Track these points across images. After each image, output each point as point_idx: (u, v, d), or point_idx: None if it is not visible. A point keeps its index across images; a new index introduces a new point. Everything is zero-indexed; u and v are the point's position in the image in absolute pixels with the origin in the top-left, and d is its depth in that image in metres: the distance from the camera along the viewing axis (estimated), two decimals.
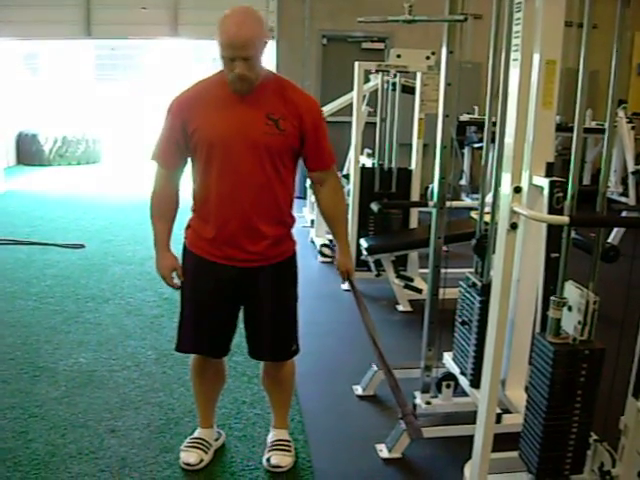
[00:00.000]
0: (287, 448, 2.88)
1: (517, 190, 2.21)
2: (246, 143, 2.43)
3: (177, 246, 2.68)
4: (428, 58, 5.15)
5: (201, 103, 2.48)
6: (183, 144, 2.51)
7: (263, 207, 2.50)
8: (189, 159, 2.57)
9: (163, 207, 2.62)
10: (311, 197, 7.21)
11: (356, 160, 5.58)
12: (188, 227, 2.66)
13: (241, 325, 2.74)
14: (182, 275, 2.67)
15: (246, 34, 2.29)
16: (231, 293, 2.63)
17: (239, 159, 2.44)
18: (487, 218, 2.92)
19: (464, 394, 3.05)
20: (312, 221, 7.00)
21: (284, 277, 2.68)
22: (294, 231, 2.71)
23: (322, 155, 2.62)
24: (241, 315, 2.73)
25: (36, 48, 12.90)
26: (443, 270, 3.05)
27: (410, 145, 5.49)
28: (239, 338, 2.77)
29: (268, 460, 2.82)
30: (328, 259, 6.12)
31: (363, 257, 5.14)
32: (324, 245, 6.29)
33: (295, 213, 2.72)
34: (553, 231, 2.50)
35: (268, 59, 9.79)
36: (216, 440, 2.96)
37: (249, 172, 2.45)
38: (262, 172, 2.46)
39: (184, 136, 2.49)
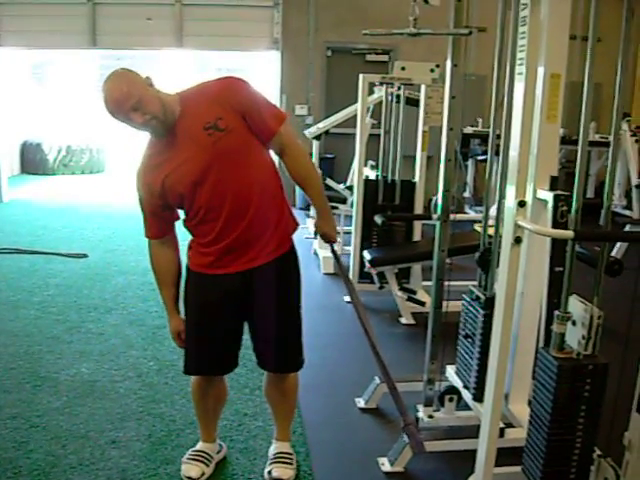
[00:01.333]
0: (289, 461, 2.86)
1: (521, 204, 2.20)
2: (209, 164, 2.43)
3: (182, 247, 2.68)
4: (432, 71, 5.15)
5: (153, 164, 2.51)
6: (160, 210, 2.57)
7: (254, 208, 2.49)
8: (175, 218, 2.64)
9: (164, 274, 2.69)
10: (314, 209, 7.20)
11: (360, 172, 5.58)
12: (189, 248, 2.67)
13: (245, 336, 2.73)
14: (185, 297, 2.70)
15: (119, 91, 2.32)
16: (236, 305, 2.62)
17: (213, 180, 2.44)
18: (491, 231, 2.91)
19: (467, 408, 3.03)
20: (315, 233, 6.99)
21: (286, 270, 2.66)
22: (294, 237, 2.71)
23: (265, 124, 2.52)
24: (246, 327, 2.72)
25: (42, 58, 12.95)
26: (446, 283, 3.04)
27: (414, 157, 5.49)
28: (243, 350, 2.76)
29: (270, 473, 2.80)
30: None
31: (366, 269, 5.13)
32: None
33: (299, 223, 2.71)
34: (557, 245, 2.50)
35: (272, 70, 9.84)
36: (218, 453, 2.94)
37: (227, 184, 2.45)
38: (237, 177, 2.46)
39: (158, 199, 2.53)
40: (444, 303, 3.04)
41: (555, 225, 2.36)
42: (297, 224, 2.74)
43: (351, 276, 5.47)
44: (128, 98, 2.31)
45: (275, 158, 2.62)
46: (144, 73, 2.43)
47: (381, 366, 2.57)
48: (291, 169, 2.61)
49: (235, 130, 2.44)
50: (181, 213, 2.62)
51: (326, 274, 6.17)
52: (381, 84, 5.95)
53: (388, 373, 2.55)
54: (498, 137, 2.80)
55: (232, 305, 2.63)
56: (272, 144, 2.57)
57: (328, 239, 2.75)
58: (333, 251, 2.83)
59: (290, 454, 2.91)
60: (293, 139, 2.62)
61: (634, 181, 6.69)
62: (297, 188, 2.65)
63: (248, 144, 2.49)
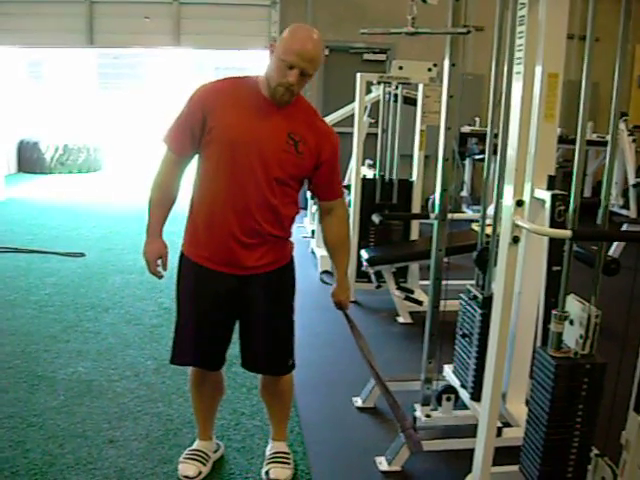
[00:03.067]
0: (286, 461, 2.86)
1: (519, 203, 2.20)
2: (261, 154, 2.42)
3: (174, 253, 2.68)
4: (430, 70, 5.15)
5: (228, 100, 2.46)
6: (198, 135, 2.47)
7: (263, 221, 2.48)
8: (197, 154, 2.53)
9: (165, 194, 2.58)
10: (312, 207, 7.21)
11: (357, 171, 5.57)
12: (186, 233, 2.63)
13: (236, 335, 2.73)
14: (179, 284, 2.65)
15: (316, 53, 2.37)
16: (228, 303, 2.62)
17: (249, 169, 2.42)
18: (488, 230, 2.91)
19: (464, 407, 3.04)
20: (313, 232, 7.00)
21: (280, 285, 2.66)
22: (294, 241, 2.70)
23: (334, 186, 2.65)
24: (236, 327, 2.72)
25: (39, 56, 12.93)
26: (444, 282, 3.04)
27: (411, 156, 5.49)
28: (238, 349, 2.76)
29: (267, 473, 2.80)
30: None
31: (364, 268, 5.13)
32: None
33: (295, 223, 2.71)
34: (555, 244, 2.50)
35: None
36: (215, 452, 2.94)
37: (256, 184, 2.44)
38: (268, 188, 2.45)
39: (201, 128, 2.45)
40: (441, 302, 3.04)
41: (553, 224, 2.36)
42: (293, 247, 2.74)
43: (348, 275, 5.46)
44: (314, 63, 2.37)
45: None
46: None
47: (381, 386, 2.58)
48: (331, 232, 2.71)
49: (303, 161, 2.48)
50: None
51: (323, 273, 6.15)
52: (379, 83, 5.95)
53: (387, 387, 2.56)
54: (496, 136, 2.80)
55: (223, 303, 2.61)
56: (327, 204, 2.68)
57: (342, 307, 2.82)
58: (347, 316, 2.88)
59: (287, 454, 2.90)
60: (345, 210, 2.76)
61: (631, 180, 6.70)
62: None
63: (295, 175, 2.52)
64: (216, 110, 2.43)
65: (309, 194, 5.16)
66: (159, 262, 2.63)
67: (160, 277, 2.65)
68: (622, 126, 6.71)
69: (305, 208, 7.84)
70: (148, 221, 2.62)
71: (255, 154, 2.42)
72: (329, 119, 7.05)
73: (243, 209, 2.46)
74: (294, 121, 2.47)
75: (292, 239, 2.70)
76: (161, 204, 2.59)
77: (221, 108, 2.44)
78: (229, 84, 2.52)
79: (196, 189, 2.55)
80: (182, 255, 2.64)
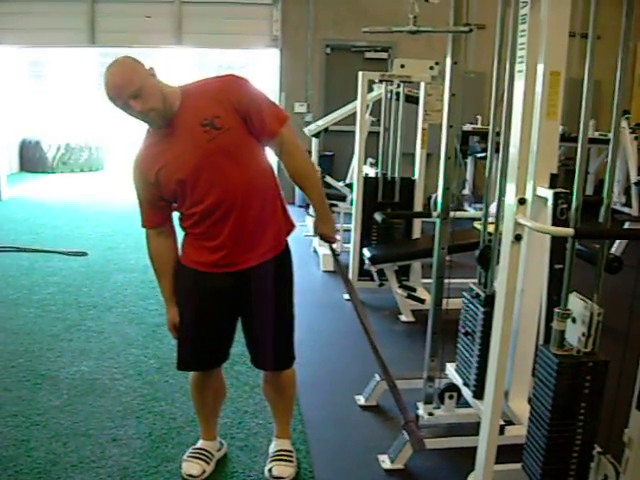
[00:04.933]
0: (289, 458, 2.87)
1: (521, 202, 2.20)
2: (203, 161, 2.43)
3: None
4: (432, 68, 5.15)
5: (151, 154, 2.51)
6: (155, 199, 2.56)
7: (247, 207, 2.49)
8: (171, 205, 2.62)
9: (162, 264, 2.67)
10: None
11: (359, 170, 5.58)
12: (182, 245, 2.67)
13: (241, 334, 2.74)
14: (178, 292, 2.69)
15: (120, 76, 2.33)
16: (227, 302, 2.63)
17: (206, 177, 2.44)
18: (491, 228, 2.91)
19: (467, 405, 3.04)
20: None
21: (278, 272, 2.65)
22: (291, 236, 2.71)
23: (267, 124, 2.51)
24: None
25: (41, 56, 12.93)
26: (446, 280, 3.04)
27: (413, 155, 5.49)
28: (242, 347, 2.76)
29: (270, 471, 2.80)
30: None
31: (366, 267, 5.14)
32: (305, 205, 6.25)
33: (297, 222, 2.71)
34: (557, 242, 2.50)
35: (272, 68, 9.84)
36: (218, 450, 2.95)
37: (220, 182, 2.45)
38: (231, 175, 2.45)
39: (152, 191, 2.53)
40: (444, 301, 3.05)
41: (555, 223, 2.36)
42: (293, 225, 2.74)
43: (351, 274, 5.48)
44: (129, 85, 2.31)
45: (274, 159, 2.62)
46: (148, 63, 2.42)
47: (380, 363, 2.57)
48: (290, 169, 2.60)
49: (232, 130, 2.43)
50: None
51: (325, 272, 6.16)
52: (380, 82, 5.95)
53: (387, 371, 2.55)
54: (498, 134, 2.80)
55: (223, 303, 2.63)
56: (272, 144, 2.56)
57: (327, 239, 2.75)
58: (332, 250, 2.83)
59: (290, 452, 2.91)
60: (294, 139, 2.59)
61: (633, 178, 6.69)
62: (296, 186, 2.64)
63: (244, 144, 2.49)
64: (151, 168, 2.49)
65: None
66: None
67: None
68: (624, 124, 6.70)
69: (306, 206, 7.85)
70: (160, 292, 2.74)
71: (199, 163, 2.43)
72: (331, 118, 7.08)
73: (225, 207, 2.47)
74: (195, 111, 2.44)
75: (288, 221, 2.70)
76: (164, 274, 2.69)
77: (152, 163, 2.49)
78: (143, 144, 2.56)
79: (181, 217, 2.61)
80: (179, 264, 2.68)
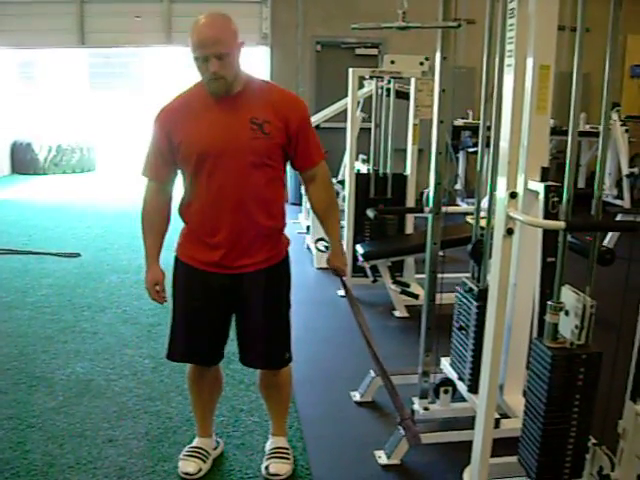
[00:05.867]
0: (286, 456, 2.87)
1: (513, 195, 2.21)
2: (233, 150, 2.44)
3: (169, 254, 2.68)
4: (422, 64, 5.16)
5: (184, 115, 2.49)
6: (170, 156, 2.53)
7: (254, 212, 2.50)
8: (179, 171, 2.59)
9: (153, 221, 2.63)
10: (307, 204, 7.20)
11: (351, 166, 5.58)
12: (180, 237, 2.66)
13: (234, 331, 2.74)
14: (174, 284, 2.67)
15: (218, 33, 2.33)
16: (223, 301, 2.63)
17: (227, 167, 2.45)
18: (483, 223, 2.92)
19: (462, 399, 3.05)
20: (308, 227, 7.00)
21: (276, 282, 2.67)
22: (289, 235, 2.71)
23: (310, 154, 2.61)
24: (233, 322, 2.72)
25: (30, 57, 12.89)
26: (440, 275, 3.05)
27: (405, 150, 5.50)
28: (236, 346, 2.76)
29: (267, 468, 2.81)
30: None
31: (359, 263, 5.14)
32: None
33: (290, 219, 2.72)
34: (549, 236, 2.51)
35: (262, 65, 9.83)
36: (215, 449, 2.95)
37: (238, 178, 2.46)
38: (251, 177, 2.47)
39: (170, 148, 2.50)
40: (437, 295, 3.05)
41: (547, 216, 2.37)
42: (289, 241, 2.75)
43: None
44: (221, 44, 2.32)
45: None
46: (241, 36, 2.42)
47: (378, 365, 2.58)
48: (317, 200, 2.69)
49: (273, 140, 2.47)
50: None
51: (319, 269, 6.17)
52: (371, 78, 5.95)
53: (383, 367, 2.56)
54: (488, 129, 2.81)
55: (218, 301, 2.63)
56: (306, 173, 2.65)
57: (339, 273, 2.79)
58: (343, 284, 2.87)
59: (287, 449, 2.91)
60: (328, 174, 2.71)
61: (625, 171, 6.72)
62: (289, 182, 2.66)
63: (275, 158, 2.51)
64: (176, 128, 2.48)
65: (303, 188, 5.16)
66: (157, 288, 2.66)
67: (161, 302, 2.69)
68: (615, 116, 6.72)
69: (300, 204, 7.85)
70: (144, 250, 2.66)
71: (226, 152, 2.44)
72: (322, 115, 7.08)
73: (233, 206, 2.48)
74: (251, 105, 2.47)
75: (287, 234, 2.71)
76: (152, 232, 2.64)
77: (180, 124, 2.48)
78: (180, 100, 2.55)
79: (184, 199, 2.60)
80: (175, 257, 2.67)
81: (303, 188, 2.73)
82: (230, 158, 2.44)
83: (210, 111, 2.47)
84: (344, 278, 2.84)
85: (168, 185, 2.62)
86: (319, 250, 6.18)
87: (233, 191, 2.46)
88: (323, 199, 2.70)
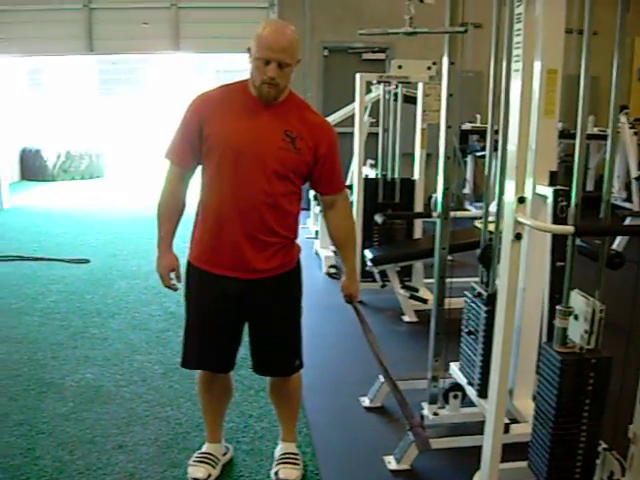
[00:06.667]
0: (295, 461, 2.87)
1: (521, 200, 2.21)
2: (259, 154, 2.45)
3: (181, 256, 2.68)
4: (429, 68, 5.16)
5: (221, 107, 2.50)
6: (197, 145, 2.51)
7: (270, 219, 2.50)
8: (199, 164, 2.57)
9: (172, 206, 2.61)
10: (315, 208, 7.21)
11: (359, 171, 5.58)
12: (192, 241, 2.66)
13: (246, 338, 2.74)
14: (187, 291, 2.67)
15: (288, 42, 2.38)
16: (236, 307, 2.63)
17: (251, 169, 2.45)
18: (491, 227, 2.92)
19: (472, 404, 3.04)
20: (316, 232, 7.01)
21: (288, 289, 2.68)
22: (300, 245, 2.72)
23: (335, 180, 2.66)
24: (246, 329, 2.72)
25: (39, 64, 12.95)
26: (448, 280, 3.04)
27: (413, 155, 5.49)
28: (245, 351, 2.77)
29: (276, 474, 2.81)
30: (336, 277, 6.16)
31: (368, 268, 5.14)
32: (333, 266, 6.27)
33: (299, 225, 2.72)
34: (558, 240, 2.50)
35: None
36: (224, 455, 2.95)
37: (259, 182, 2.46)
38: (272, 185, 2.47)
39: (199, 137, 2.49)
40: (446, 300, 3.05)
41: (555, 220, 2.36)
42: (300, 249, 2.76)
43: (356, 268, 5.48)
44: (289, 54, 2.37)
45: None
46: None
47: (389, 382, 2.59)
48: (336, 226, 2.73)
49: (301, 157, 2.49)
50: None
51: (328, 274, 6.17)
52: (378, 82, 5.95)
53: (395, 383, 2.55)
54: (496, 133, 2.80)
55: (231, 308, 2.63)
56: (328, 197, 2.69)
57: (352, 300, 2.84)
58: (356, 309, 2.88)
59: (296, 454, 2.91)
60: (348, 203, 2.79)
61: (634, 173, 6.69)
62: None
63: (296, 172, 2.53)
64: (211, 118, 2.48)
65: (312, 194, 5.13)
66: (172, 275, 2.65)
67: (175, 290, 2.69)
68: (623, 119, 6.70)
69: (308, 209, 7.85)
70: (158, 235, 2.65)
71: (254, 155, 2.45)
72: (330, 120, 7.06)
73: (250, 209, 2.48)
74: (288, 118, 2.49)
75: (299, 242, 2.72)
76: (169, 218, 2.63)
77: (215, 116, 2.48)
78: (220, 92, 2.56)
79: (202, 196, 2.58)
80: (188, 263, 2.67)
81: (324, 216, 2.76)
82: (255, 161, 2.45)
83: (248, 111, 2.48)
84: (355, 304, 2.87)
85: (189, 174, 2.60)
86: (330, 276, 6.21)
87: (252, 194, 2.46)
88: (342, 227, 2.73)
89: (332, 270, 6.24)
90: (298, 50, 2.43)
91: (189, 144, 2.53)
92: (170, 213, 2.62)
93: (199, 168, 2.59)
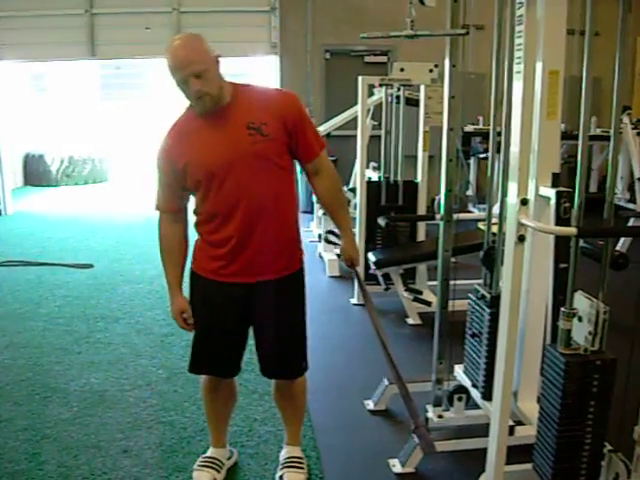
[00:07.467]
0: (300, 465, 2.87)
1: (524, 202, 2.20)
2: (237, 160, 2.45)
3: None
4: (431, 71, 5.16)
5: (183, 140, 2.51)
6: (178, 186, 2.55)
7: (268, 218, 2.51)
8: (190, 195, 2.61)
9: (171, 251, 2.65)
10: (318, 212, 7.20)
11: (362, 174, 5.58)
12: (194, 250, 2.67)
13: (252, 342, 2.73)
14: (191, 298, 2.68)
15: (187, 52, 2.35)
16: (240, 311, 2.63)
17: (236, 177, 2.45)
18: (495, 229, 2.91)
19: (476, 407, 3.03)
20: (319, 235, 7.01)
21: (292, 291, 2.69)
22: (303, 249, 2.72)
23: (311, 146, 2.61)
24: (251, 333, 2.73)
25: (42, 69, 12.98)
26: (452, 282, 3.04)
27: (415, 157, 5.49)
28: (249, 355, 2.77)
29: (281, 478, 2.81)
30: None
31: (371, 271, 5.13)
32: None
33: (302, 227, 2.72)
34: (561, 241, 2.50)
35: (272, 74, 9.86)
36: (228, 459, 2.95)
37: (248, 186, 2.46)
38: (260, 182, 2.48)
39: (175, 177, 2.52)
40: (450, 302, 3.05)
41: (558, 222, 2.36)
42: (302, 252, 2.75)
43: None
44: (197, 63, 2.33)
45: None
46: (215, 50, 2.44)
47: (390, 362, 2.57)
48: (323, 192, 2.70)
49: (276, 141, 2.48)
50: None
51: (332, 277, 6.17)
52: (380, 85, 5.95)
53: (400, 377, 2.54)
54: (499, 135, 2.80)
55: (236, 312, 2.64)
56: (309, 166, 2.64)
57: (353, 263, 2.81)
58: (357, 276, 2.89)
59: (301, 458, 2.91)
60: (330, 164, 2.71)
61: (637, 174, 6.68)
62: (300, 191, 2.66)
63: (281, 157, 2.52)
64: (180, 154, 2.49)
65: (315, 198, 5.14)
66: (185, 316, 2.67)
67: (190, 330, 2.71)
68: (626, 120, 6.69)
69: (311, 212, 7.85)
70: (166, 280, 2.69)
71: (231, 164, 2.45)
72: (332, 123, 7.08)
73: (246, 214, 2.48)
74: (245, 112, 2.47)
75: (302, 247, 2.72)
76: (172, 262, 2.66)
77: (183, 149, 2.49)
78: (176, 129, 2.55)
79: (197, 213, 2.61)
80: (192, 271, 2.68)
81: (309, 184, 2.72)
82: (236, 168, 2.45)
83: (205, 130, 2.49)
84: (357, 268, 2.85)
85: (181, 214, 2.65)
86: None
87: (245, 200, 2.47)
88: (328, 189, 2.70)
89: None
90: (207, 51, 2.38)
91: (169, 188, 2.58)
92: (172, 257, 2.66)
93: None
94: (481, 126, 8.49)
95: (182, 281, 2.68)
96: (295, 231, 2.66)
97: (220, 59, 2.44)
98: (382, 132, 5.92)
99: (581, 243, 2.28)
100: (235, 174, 2.45)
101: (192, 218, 2.65)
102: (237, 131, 2.45)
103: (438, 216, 3.06)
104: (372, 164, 6.27)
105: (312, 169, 2.66)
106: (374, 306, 2.80)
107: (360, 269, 2.90)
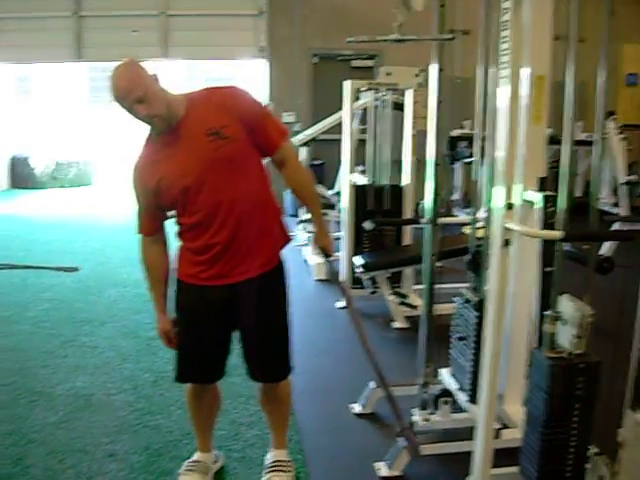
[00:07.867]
0: (286, 469, 2.87)
1: (509, 207, 2.22)
2: (205, 169, 2.45)
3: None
4: (417, 75, 5.18)
5: (150, 161, 2.52)
6: (156, 208, 2.57)
7: (247, 219, 2.51)
8: (168, 213, 2.63)
9: (155, 270, 2.68)
10: (303, 216, 7.20)
11: (347, 178, 5.59)
12: (178, 257, 2.68)
13: (237, 345, 2.73)
14: (177, 306, 2.70)
15: (126, 82, 2.35)
16: (224, 314, 2.64)
17: (209, 186, 2.46)
18: (480, 233, 2.92)
19: (462, 410, 3.04)
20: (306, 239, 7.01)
21: (274, 286, 2.68)
22: (287, 248, 2.72)
23: (270, 137, 2.60)
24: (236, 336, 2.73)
25: (28, 71, 12.92)
26: (438, 286, 3.05)
27: (401, 162, 5.51)
28: (235, 359, 2.77)
29: None
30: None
31: (357, 274, 5.14)
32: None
33: (289, 232, 2.72)
34: (547, 245, 2.51)
35: (259, 78, 9.86)
36: (215, 463, 2.95)
37: (223, 192, 2.47)
38: (234, 186, 2.48)
39: (152, 200, 2.54)
40: (436, 306, 3.06)
41: (543, 226, 2.37)
42: (289, 238, 2.76)
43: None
44: (135, 89, 2.33)
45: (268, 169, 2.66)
46: (151, 70, 2.45)
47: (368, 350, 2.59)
48: (291, 181, 2.69)
49: (238, 140, 2.47)
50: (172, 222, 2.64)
51: (317, 280, 6.17)
52: (368, 90, 5.97)
53: (385, 380, 2.56)
54: (485, 139, 2.82)
55: (219, 315, 2.64)
56: (274, 157, 2.63)
57: (326, 251, 2.80)
58: (326, 257, 2.85)
59: (287, 461, 2.91)
60: (294, 153, 2.73)
61: (621, 179, 6.73)
62: (286, 196, 2.67)
63: (248, 155, 2.53)
64: (150, 175, 2.50)
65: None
66: (170, 336, 2.73)
67: (175, 349, 2.75)
68: (611, 125, 6.73)
69: (297, 216, 7.85)
70: (151, 298, 2.73)
71: (201, 175, 2.45)
72: (318, 127, 7.09)
73: (226, 218, 2.49)
74: (201, 120, 2.47)
75: (287, 228, 2.73)
76: (156, 281, 2.69)
77: (151, 171, 2.51)
78: (142, 154, 2.57)
79: (178, 224, 2.62)
80: (177, 280, 2.69)
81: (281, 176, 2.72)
82: (207, 178, 2.45)
83: (169, 148, 2.49)
84: (331, 258, 2.86)
85: (161, 233, 2.68)
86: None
87: (222, 205, 2.48)
88: (295, 179, 2.71)
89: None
90: (143, 75, 2.39)
91: (147, 213, 2.61)
92: (156, 277, 2.69)
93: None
94: (467, 130, 8.52)
95: (166, 301, 2.71)
96: (275, 223, 2.66)
97: (157, 77, 2.45)
98: (368, 136, 5.92)
99: (567, 247, 2.30)
100: (208, 184, 2.46)
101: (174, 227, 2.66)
102: (198, 141, 2.45)
103: (424, 220, 3.07)
104: (359, 168, 6.28)
105: (278, 160, 2.65)
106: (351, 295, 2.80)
107: (344, 270, 2.90)
